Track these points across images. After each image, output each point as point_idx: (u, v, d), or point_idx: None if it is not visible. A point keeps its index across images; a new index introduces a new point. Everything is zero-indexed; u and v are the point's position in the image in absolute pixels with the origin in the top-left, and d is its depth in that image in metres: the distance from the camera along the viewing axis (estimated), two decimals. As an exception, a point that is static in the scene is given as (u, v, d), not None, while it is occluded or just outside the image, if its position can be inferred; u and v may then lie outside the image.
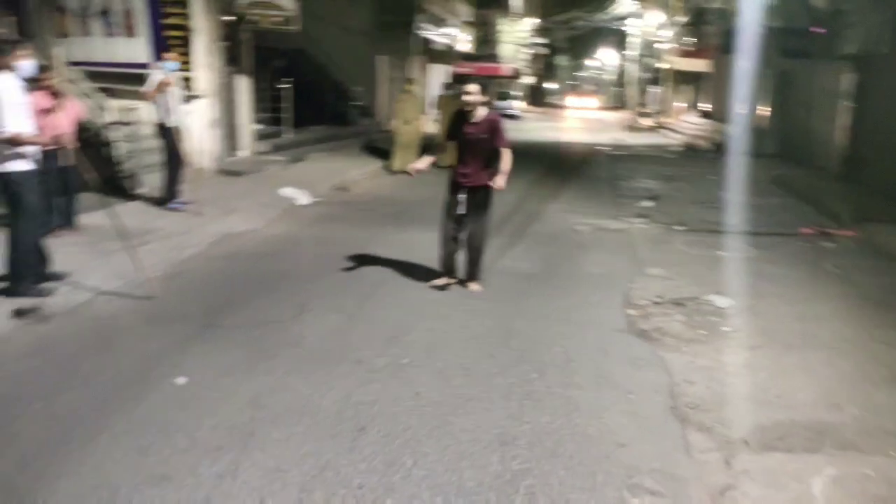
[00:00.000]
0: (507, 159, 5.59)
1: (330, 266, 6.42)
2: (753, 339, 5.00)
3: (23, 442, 3.33)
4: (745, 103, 19.68)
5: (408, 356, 4.46)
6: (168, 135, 8.31)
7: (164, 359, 4.27)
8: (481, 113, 5.60)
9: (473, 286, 5.88)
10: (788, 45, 15.02)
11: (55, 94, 6.65)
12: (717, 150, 18.38)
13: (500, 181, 5.54)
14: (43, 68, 6.78)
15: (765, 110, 18.24)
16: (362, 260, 6.63)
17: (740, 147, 16.15)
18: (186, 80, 10.59)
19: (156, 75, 8.30)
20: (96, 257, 6.10)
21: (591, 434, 3.59)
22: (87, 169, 5.63)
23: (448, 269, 5.93)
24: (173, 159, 8.41)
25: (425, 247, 7.09)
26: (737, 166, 14.05)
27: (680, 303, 5.73)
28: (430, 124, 14.94)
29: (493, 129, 5.59)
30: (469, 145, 5.62)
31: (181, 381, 3.96)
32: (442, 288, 5.86)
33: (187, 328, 4.80)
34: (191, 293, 5.63)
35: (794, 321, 5.42)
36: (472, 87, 5.58)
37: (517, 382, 4.15)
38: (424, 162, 5.85)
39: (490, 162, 5.61)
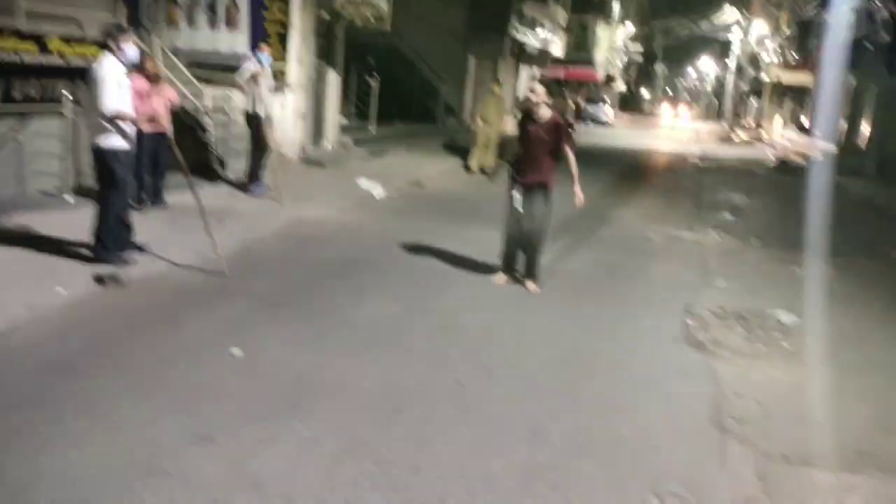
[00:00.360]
0: (573, 165, 5.66)
1: (393, 256, 6.61)
2: (813, 357, 4.82)
3: (88, 392, 3.62)
4: (847, 121, 18.73)
5: (455, 347, 4.55)
6: (256, 123, 8.71)
7: (226, 330, 4.52)
8: (545, 113, 5.66)
9: (531, 285, 5.90)
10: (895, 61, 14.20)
11: (153, 79, 7.12)
12: (812, 167, 17.56)
13: (578, 194, 5.69)
14: (145, 55, 7.27)
15: (868, 129, 17.29)
16: (426, 252, 6.78)
17: (837, 165, 15.42)
18: (280, 72, 11.07)
19: (248, 66, 8.70)
20: (177, 232, 6.49)
21: (626, 435, 3.57)
22: (179, 151, 6.00)
23: (508, 267, 6.00)
24: (259, 147, 8.81)
25: (489, 244, 7.15)
26: (830, 185, 13.42)
27: (742, 316, 5.57)
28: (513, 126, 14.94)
29: (556, 129, 5.66)
30: (531, 144, 5.69)
31: (237, 352, 4.19)
32: (502, 284, 5.94)
33: (251, 304, 5.06)
34: (258, 272, 5.91)
35: (858, 343, 5.19)
36: (538, 88, 5.70)
37: (559, 381, 4.17)
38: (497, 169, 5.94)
39: (551, 162, 5.68)
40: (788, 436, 3.66)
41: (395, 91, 17.53)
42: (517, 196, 5.74)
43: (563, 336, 4.93)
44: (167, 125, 6.49)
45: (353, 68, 16.05)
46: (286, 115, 11.34)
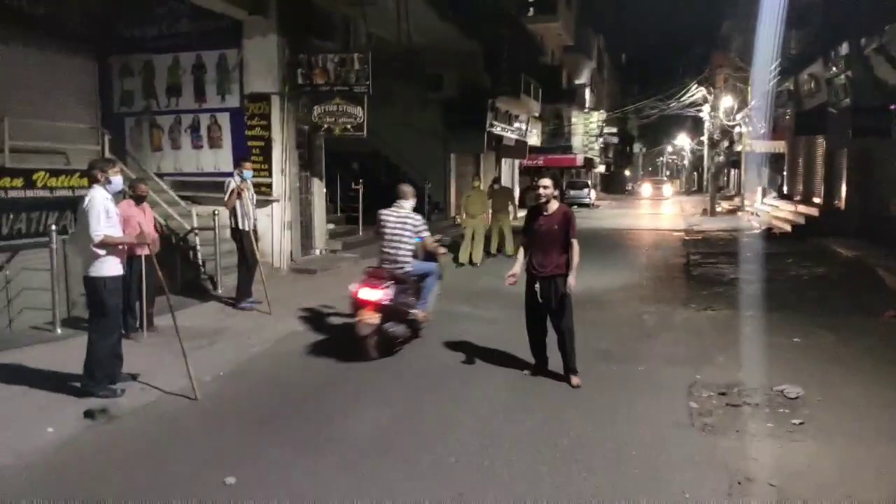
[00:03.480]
0: (576, 253, 5.76)
1: (387, 360, 6.50)
2: (824, 431, 4.70)
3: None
4: (823, 184, 19.14)
5: (454, 454, 4.42)
6: (241, 237, 8.80)
7: (218, 458, 4.39)
8: (554, 205, 5.84)
9: (574, 380, 5.78)
10: (860, 123, 14.62)
11: (138, 202, 7.24)
12: (795, 232, 17.78)
13: (571, 281, 5.71)
14: (137, 179, 7.41)
15: (844, 190, 17.64)
16: (418, 352, 6.70)
17: (819, 228, 15.62)
18: (265, 185, 11.29)
19: (231, 183, 8.87)
20: (168, 358, 6.41)
21: (639, 537, 3.43)
22: (167, 272, 6.01)
23: (539, 359, 6.07)
24: (246, 260, 8.85)
25: (486, 337, 7.13)
26: (815, 247, 13.55)
27: (747, 394, 5.47)
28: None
29: (565, 220, 5.80)
30: (543, 236, 5.81)
31: (230, 480, 4.05)
32: (534, 374, 6.00)
33: (244, 427, 4.94)
34: (251, 391, 5.80)
35: (868, 413, 5.07)
36: (546, 181, 5.84)
37: (564, 479, 4.03)
38: (517, 267, 5.94)
39: (564, 251, 5.78)
40: (808, 521, 3.52)
41: (381, 193, 17.81)
42: (536, 289, 5.81)
43: (564, 430, 4.80)
44: (154, 247, 6.53)
45: (338, 175, 16.40)
46: (273, 226, 11.48)
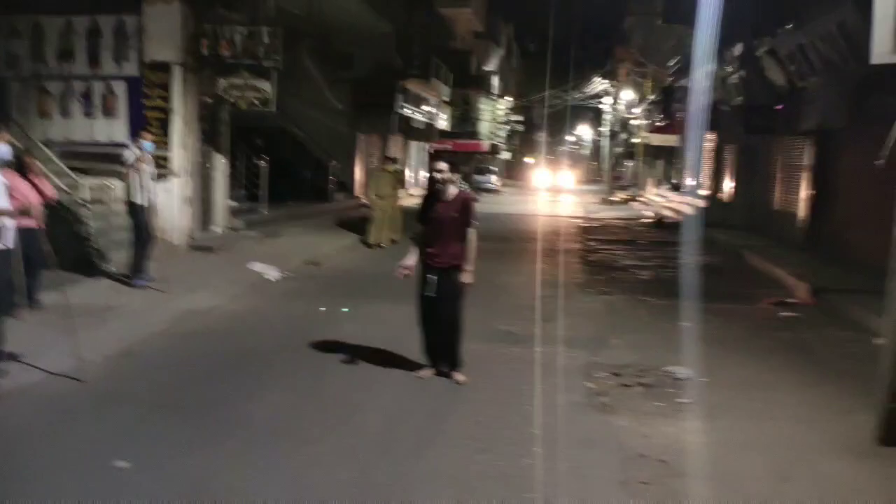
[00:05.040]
0: (473, 243, 5.42)
1: (291, 343, 6.39)
2: (710, 411, 5.01)
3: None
4: (712, 177, 20.28)
5: (357, 437, 4.41)
6: (138, 212, 8.39)
7: (109, 441, 4.20)
8: (453, 191, 5.46)
9: (458, 376, 5.50)
10: (752, 121, 15.56)
11: (25, 173, 6.75)
12: (685, 222, 18.73)
13: (467, 277, 5.42)
14: (21, 150, 6.91)
15: (731, 184, 18.74)
16: (324, 337, 6.60)
17: (708, 219, 16.56)
18: (163, 158, 10.78)
19: (129, 154, 8.44)
20: (54, 336, 6.04)
21: (539, 512, 3.55)
22: (55, 247, 5.65)
23: (432, 358, 5.63)
24: (142, 236, 8.45)
25: (391, 323, 7.13)
26: (704, 238, 14.37)
27: (639, 375, 5.75)
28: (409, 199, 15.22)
29: (465, 207, 5.44)
30: (439, 225, 5.42)
31: (122, 464, 3.88)
32: (429, 376, 5.55)
33: (137, 409, 4.74)
34: (145, 373, 5.57)
35: (751, 392, 5.45)
36: (443, 165, 5.45)
37: (469, 462, 4.11)
38: (412, 258, 5.57)
39: (462, 242, 5.43)
40: (695, 494, 3.75)
41: (286, 171, 17.46)
42: (430, 280, 5.43)
43: (466, 413, 4.89)
44: (39, 220, 6.13)
45: (241, 151, 15.89)
46: (171, 201, 11.00)
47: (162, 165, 10.51)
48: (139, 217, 8.40)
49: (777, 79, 14.14)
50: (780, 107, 14.60)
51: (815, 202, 13.04)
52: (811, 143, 13.22)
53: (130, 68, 11.17)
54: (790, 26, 12.70)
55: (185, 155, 11.26)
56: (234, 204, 14.17)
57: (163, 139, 10.96)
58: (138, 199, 8.34)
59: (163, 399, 4.96)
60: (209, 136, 12.27)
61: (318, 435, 4.42)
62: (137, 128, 10.72)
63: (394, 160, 15.27)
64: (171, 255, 9.88)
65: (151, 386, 5.24)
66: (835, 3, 10.54)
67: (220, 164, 12.90)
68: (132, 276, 8.40)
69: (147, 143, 8.63)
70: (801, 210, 13.50)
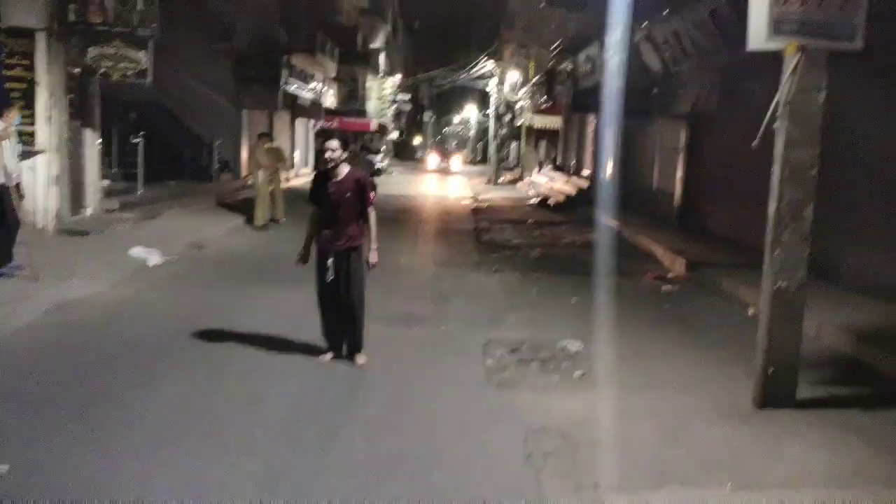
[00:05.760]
0: (373, 223, 5.35)
1: (180, 331, 6.07)
2: (602, 381, 5.25)
3: None
4: (593, 158, 21.10)
5: (260, 427, 4.28)
6: (1, 194, 7.67)
7: (-17, 444, 3.84)
8: (344, 170, 5.30)
9: (360, 359, 5.41)
10: (630, 104, 16.27)
11: None
12: (569, 202, 19.42)
13: (373, 257, 5.35)
14: None
15: (612, 164, 19.56)
16: (215, 325, 6.31)
17: (589, 198, 17.25)
18: (28, 134, 9.89)
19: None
20: None
21: (447, 488, 3.59)
22: None
23: (334, 342, 5.50)
24: (6, 220, 7.74)
25: (283, 307, 6.94)
26: (587, 216, 14.98)
27: (535, 350, 5.92)
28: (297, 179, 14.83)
29: (359, 186, 5.30)
30: (334, 206, 5.26)
31: (2, 468, 3.56)
32: (330, 363, 5.42)
33: (15, 408, 4.36)
34: (18, 370, 5.12)
35: (639, 362, 5.74)
36: (333, 143, 5.27)
37: (378, 445, 4.09)
38: (308, 244, 5.45)
39: (358, 222, 5.33)
40: (595, 463, 3.92)
41: (164, 149, 16.54)
42: (329, 264, 5.30)
43: (372, 396, 4.87)
44: None
45: (115, 127, 14.87)
46: (37, 180, 10.15)
47: (26, 142, 9.66)
48: (3, 199, 7.68)
49: (653, 63, 14.85)
50: (655, 90, 15.36)
51: (689, 182, 13.87)
52: (685, 125, 14.01)
53: (-12, 33, 10.15)
54: (666, 12, 13.34)
55: (51, 130, 10.39)
56: (107, 183, 13.29)
57: (26, 112, 10.05)
58: (2, 180, 7.62)
59: (42, 398, 4.58)
60: (78, 111, 11.40)
61: (218, 427, 4.24)
62: (4, 102, 9.80)
63: (269, 136, 14.77)
64: (39, 240, 9.13)
65: (28, 384, 4.82)
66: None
67: (91, 141, 12.02)
68: (-4, 263, 7.69)
69: (16, 118, 7.91)
70: (677, 189, 14.31)
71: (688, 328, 6.96)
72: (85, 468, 3.65)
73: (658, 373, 5.52)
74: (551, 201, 20.41)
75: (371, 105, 37.36)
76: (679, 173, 14.24)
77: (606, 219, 15.17)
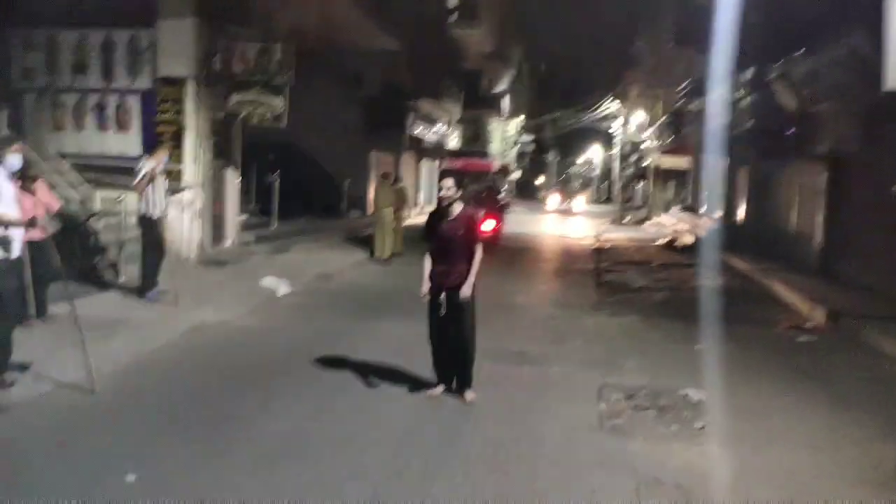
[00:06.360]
0: (477, 261, 5.37)
1: (301, 359, 6.33)
2: (725, 435, 4.91)
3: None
4: (725, 200, 20.19)
5: (367, 457, 4.33)
6: (149, 225, 8.38)
7: (118, 454, 4.15)
8: (458, 209, 5.41)
9: (468, 395, 5.40)
10: (764, 144, 15.52)
11: (29, 185, 6.77)
12: (698, 245, 18.62)
13: (466, 290, 5.34)
14: (27, 162, 6.94)
15: (744, 206, 18.64)
16: (336, 353, 6.53)
17: (721, 241, 16.44)
18: (176, 172, 10.81)
19: (144, 167, 8.46)
20: (62, 348, 6.01)
21: (553, 537, 3.47)
22: (65, 258, 5.65)
23: (444, 376, 5.54)
24: (153, 249, 8.45)
25: (399, 339, 7.07)
26: (717, 260, 14.25)
27: (653, 397, 5.66)
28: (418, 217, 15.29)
29: (470, 224, 5.42)
30: (446, 243, 5.37)
31: (131, 478, 3.83)
32: (438, 396, 5.45)
33: (145, 422, 4.70)
34: (153, 387, 5.52)
35: (765, 418, 5.34)
36: (448, 182, 5.41)
37: (482, 483, 4.03)
38: (428, 279, 5.48)
39: (470, 259, 5.38)
40: (711, 521, 3.66)
41: (298, 187, 17.52)
42: (441, 300, 5.35)
43: (479, 430, 4.82)
44: (47, 230, 6.14)
45: (253, 166, 15.96)
46: (183, 215, 11.02)
47: (174, 179, 10.56)
48: (151, 230, 8.40)
49: (788, 103, 14.10)
50: (790, 131, 14.55)
51: (830, 226, 12.92)
52: (825, 166, 13.13)
53: (144, 82, 11.27)
54: (802, 51, 12.68)
55: (197, 169, 11.30)
56: (245, 217, 14.20)
57: (175, 153, 11.02)
58: (151, 213, 8.34)
59: (172, 413, 4.91)
60: (221, 151, 12.32)
61: (327, 454, 4.35)
62: (150, 141, 10.81)
63: (394, 177, 15.31)
64: (182, 269, 9.87)
65: (160, 400, 5.19)
66: (846, 30, 10.51)
67: (232, 179, 12.94)
68: (143, 289, 8.38)
69: (163, 157, 8.67)
70: (817, 234, 13.37)
71: (825, 383, 6.39)
72: (202, 484, 3.85)
73: (787, 429, 5.10)
74: (678, 243, 19.65)
75: (494, 146, 37.84)
76: (819, 217, 13.30)
77: (737, 263, 14.40)
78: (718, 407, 5.48)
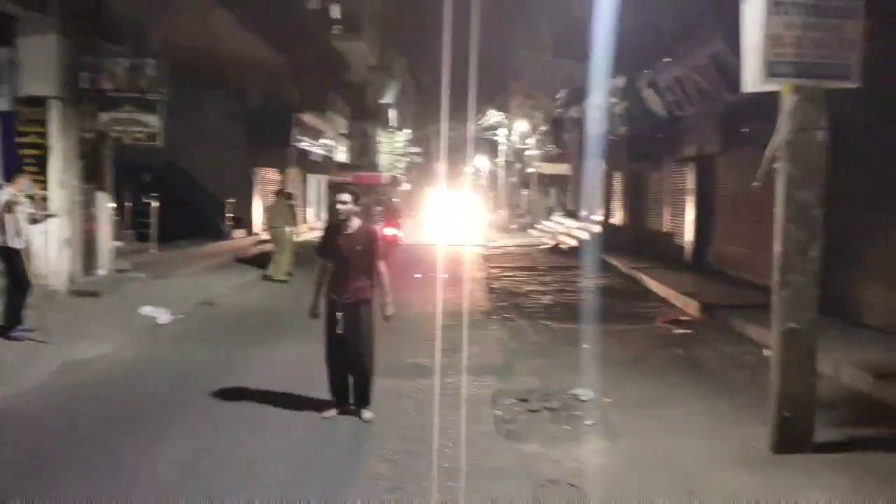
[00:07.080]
0: (386, 277, 5.36)
1: (185, 390, 6.04)
2: (615, 431, 5.12)
3: None
4: (604, 203, 21.13)
5: (262, 489, 4.18)
6: (12, 257, 7.79)
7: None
8: (356, 223, 5.34)
9: (366, 414, 5.32)
10: (637, 149, 16.37)
11: None
12: (580, 248, 19.37)
13: (389, 309, 5.35)
14: None
15: (622, 209, 19.58)
16: (221, 381, 6.23)
17: (601, 243, 17.20)
18: (42, 198, 10.07)
19: (3, 196, 7.86)
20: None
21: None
22: None
23: (340, 397, 5.43)
24: (17, 283, 7.84)
25: (292, 362, 6.91)
26: (598, 261, 14.90)
27: (545, 399, 5.81)
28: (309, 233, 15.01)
29: (370, 240, 5.36)
30: (343, 258, 5.27)
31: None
32: (333, 416, 5.35)
33: (16, 471, 4.33)
34: (20, 434, 5.09)
35: (651, 409, 5.62)
36: (345, 197, 5.30)
37: (380, 500, 4.00)
38: (320, 297, 5.41)
39: (368, 275, 5.34)
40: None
41: (179, 208, 16.79)
42: (339, 318, 5.27)
43: (378, 451, 4.77)
44: None
45: (128, 189, 15.16)
46: (49, 243, 10.28)
47: (39, 206, 9.84)
48: (15, 263, 7.80)
49: (657, 109, 14.97)
50: (660, 136, 15.44)
51: (699, 224, 13.81)
52: (692, 168, 14.03)
53: (2, 104, 10.44)
54: (668, 59, 13.50)
55: (64, 194, 10.59)
56: (120, 244, 13.44)
57: (40, 178, 10.28)
58: (12, 244, 7.75)
59: (47, 458, 4.55)
60: (91, 174, 11.62)
61: (220, 489, 4.16)
62: (12, 167, 10.02)
63: (288, 195, 14.95)
64: (51, 302, 9.21)
65: (27, 448, 4.78)
66: (708, 38, 11.28)
67: (104, 203, 12.22)
68: (8, 326, 7.75)
69: (26, 184, 8.10)
70: (688, 231, 14.24)
71: (701, 373, 6.82)
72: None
73: (671, 420, 5.38)
74: (562, 247, 20.37)
75: (383, 159, 37.86)
76: (689, 216, 14.20)
77: (617, 263, 15.10)
78: (606, 403, 5.71)
